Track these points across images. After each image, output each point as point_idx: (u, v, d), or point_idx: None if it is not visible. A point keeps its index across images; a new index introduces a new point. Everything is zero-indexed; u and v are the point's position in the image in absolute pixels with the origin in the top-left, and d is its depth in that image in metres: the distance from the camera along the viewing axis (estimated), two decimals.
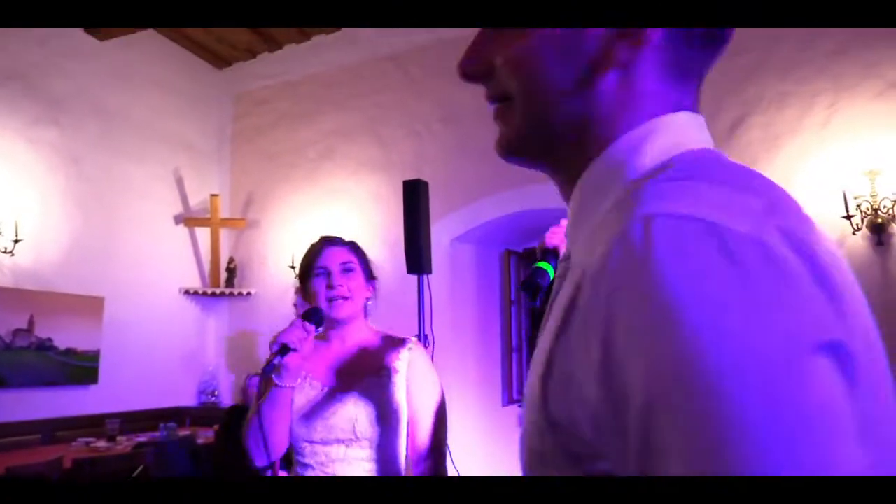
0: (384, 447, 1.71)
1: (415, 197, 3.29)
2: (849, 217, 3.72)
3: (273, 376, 1.67)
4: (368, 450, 1.69)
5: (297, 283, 1.92)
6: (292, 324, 1.69)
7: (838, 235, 3.81)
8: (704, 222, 0.43)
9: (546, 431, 0.51)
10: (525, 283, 1.24)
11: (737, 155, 4.14)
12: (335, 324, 1.83)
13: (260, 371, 1.70)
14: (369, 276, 1.90)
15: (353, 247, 1.91)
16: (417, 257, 3.23)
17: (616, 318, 0.43)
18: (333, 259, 1.83)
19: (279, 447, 1.70)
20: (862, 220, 3.77)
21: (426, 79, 5.43)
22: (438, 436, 1.78)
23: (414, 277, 3.27)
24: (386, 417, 1.72)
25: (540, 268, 1.23)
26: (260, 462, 1.69)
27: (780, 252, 0.43)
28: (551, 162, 0.64)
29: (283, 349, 1.63)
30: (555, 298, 0.58)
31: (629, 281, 0.43)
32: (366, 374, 1.76)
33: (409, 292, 3.72)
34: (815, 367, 0.39)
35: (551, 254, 1.27)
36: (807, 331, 0.40)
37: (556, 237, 1.31)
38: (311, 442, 1.70)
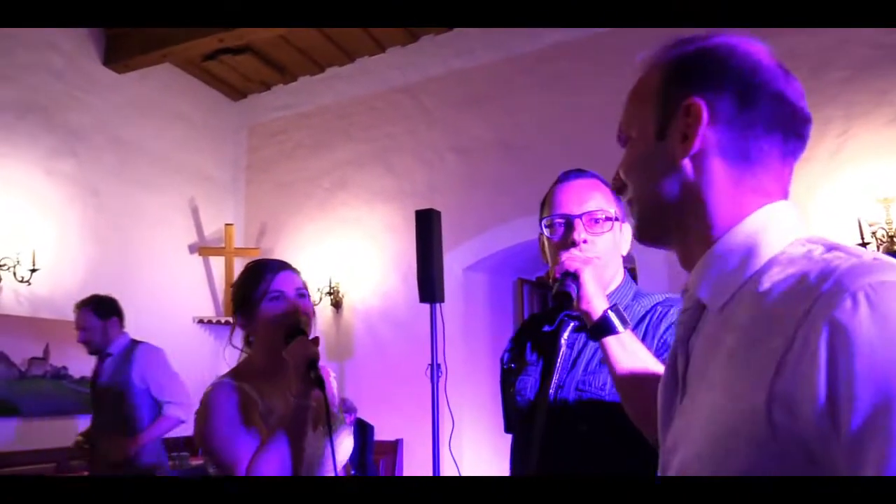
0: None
1: (427, 226, 3.31)
2: (864, 245, 3.69)
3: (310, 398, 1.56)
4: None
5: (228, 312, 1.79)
6: (304, 341, 1.60)
7: None
8: None
9: (761, 441, 0.61)
10: (557, 296, 1.28)
11: None
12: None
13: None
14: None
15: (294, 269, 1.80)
16: (430, 286, 3.24)
17: (874, 363, 0.54)
18: (290, 283, 1.72)
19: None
20: (878, 248, 3.74)
21: (438, 109, 5.48)
22: None
23: (426, 306, 3.28)
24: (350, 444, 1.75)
25: (564, 292, 1.28)
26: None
27: None
28: (671, 242, 0.81)
29: (297, 330, 1.60)
30: (689, 337, 0.77)
31: (882, 334, 0.54)
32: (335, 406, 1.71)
33: (422, 321, 3.72)
34: None
35: (570, 278, 1.30)
36: None
37: (574, 261, 1.34)
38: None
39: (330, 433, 1.54)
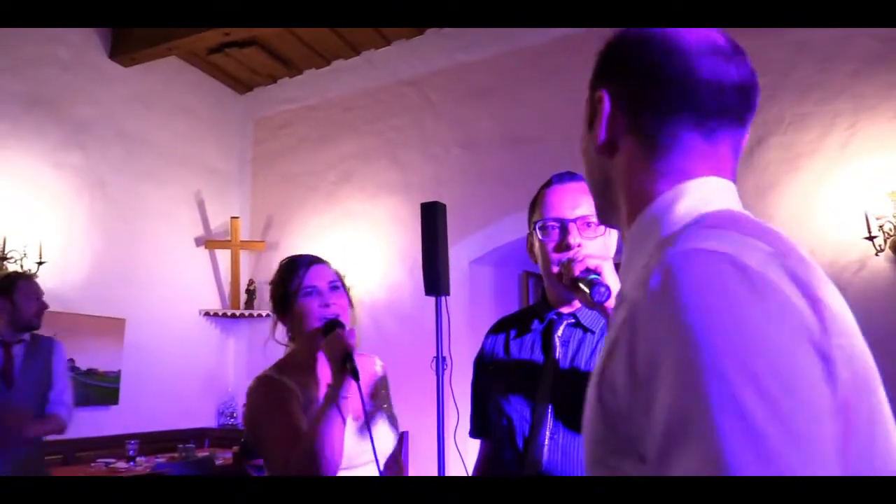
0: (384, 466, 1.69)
1: (433, 219, 3.31)
2: (871, 238, 3.68)
3: (343, 390, 1.57)
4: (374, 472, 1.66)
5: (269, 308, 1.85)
6: (339, 334, 1.63)
7: (860, 256, 3.77)
8: (726, 255, 0.56)
9: (596, 420, 0.63)
10: (593, 293, 1.28)
11: (756, 177, 4.12)
12: (318, 346, 1.74)
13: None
14: (348, 293, 1.83)
15: (332, 268, 1.84)
16: (435, 279, 3.24)
17: (654, 328, 0.54)
18: (322, 277, 1.76)
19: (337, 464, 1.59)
20: (885, 241, 3.73)
21: (444, 102, 5.47)
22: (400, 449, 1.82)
23: (432, 299, 3.28)
24: (391, 438, 1.73)
25: (595, 280, 1.29)
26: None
27: (783, 284, 0.55)
28: (615, 224, 0.84)
29: (335, 323, 1.63)
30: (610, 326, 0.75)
31: (668, 300, 0.54)
32: (367, 400, 1.69)
33: (428, 314, 3.72)
34: (811, 365, 0.51)
35: (592, 274, 1.31)
36: (801, 335, 0.52)
37: (594, 259, 1.35)
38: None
39: (368, 426, 1.58)
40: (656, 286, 0.56)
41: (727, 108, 0.74)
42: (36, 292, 3.52)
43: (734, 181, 0.75)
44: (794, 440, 0.46)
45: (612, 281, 1.30)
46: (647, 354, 0.54)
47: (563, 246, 1.45)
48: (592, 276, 1.30)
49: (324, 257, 1.87)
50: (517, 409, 1.46)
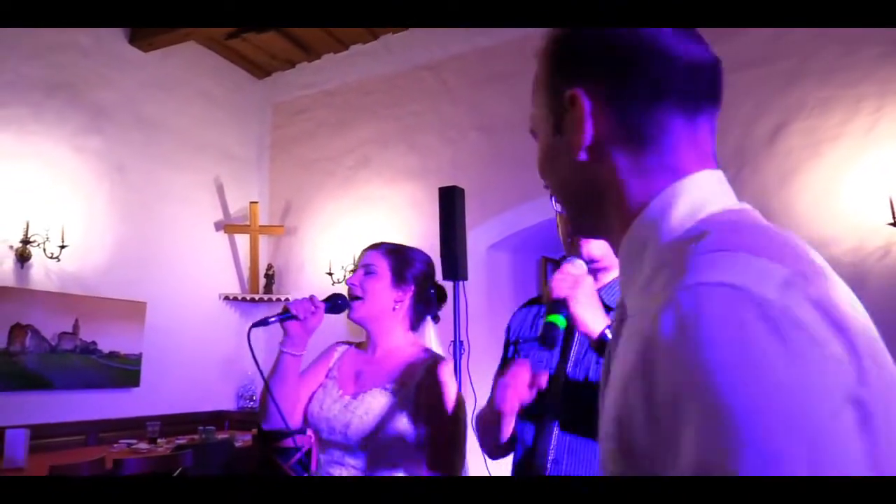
0: (377, 460, 1.68)
1: (451, 204, 3.30)
2: None
3: (281, 345, 1.77)
4: (361, 459, 1.68)
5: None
6: (306, 298, 1.78)
7: (884, 243, 3.71)
8: (743, 290, 0.51)
9: (616, 459, 0.59)
10: (542, 339, 1.25)
11: (778, 163, 4.07)
12: (362, 328, 1.88)
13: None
14: (400, 278, 1.86)
15: (390, 251, 1.90)
16: (453, 264, 3.24)
17: (674, 378, 0.51)
18: (363, 260, 1.89)
19: (285, 416, 1.75)
20: None
21: (462, 87, 5.45)
22: (449, 458, 1.74)
23: (450, 284, 3.28)
24: (382, 430, 1.69)
25: (552, 322, 1.26)
26: (267, 425, 1.78)
27: (808, 318, 0.50)
28: (602, 233, 0.77)
29: (284, 311, 1.74)
30: (616, 343, 0.71)
31: (681, 344, 0.50)
32: (376, 385, 1.75)
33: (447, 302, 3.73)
34: (845, 416, 0.47)
35: (560, 304, 1.28)
36: (831, 379, 0.48)
37: (562, 287, 1.30)
38: (320, 439, 1.77)
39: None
40: (671, 328, 0.52)
41: (703, 89, 0.71)
42: None
43: (717, 165, 0.71)
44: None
45: (583, 310, 1.28)
46: (668, 403, 0.51)
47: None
48: (549, 320, 1.27)
49: (342, 242, 1.94)
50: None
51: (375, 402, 1.72)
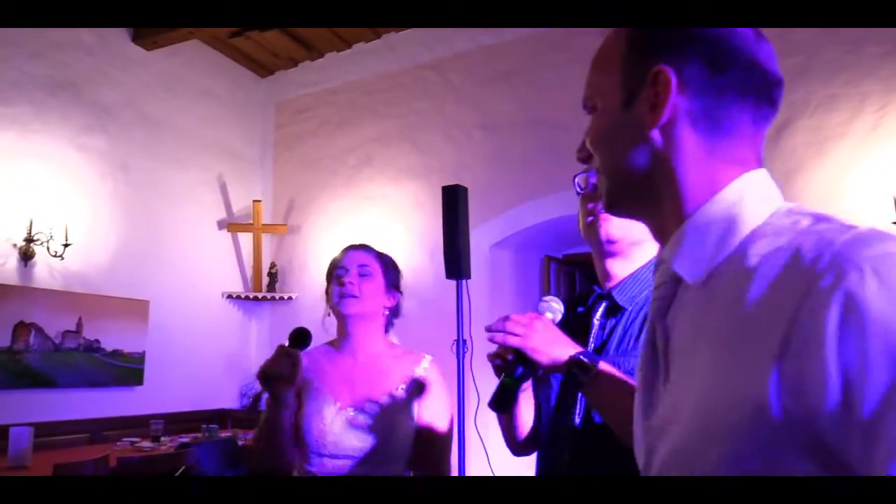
0: (388, 467, 1.71)
1: (454, 202, 3.30)
2: None
3: (265, 407, 1.72)
4: (374, 468, 1.69)
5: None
6: (275, 352, 1.71)
7: None
8: None
9: (768, 442, 0.57)
10: (498, 404, 1.25)
11: (783, 160, 4.06)
12: (345, 329, 1.83)
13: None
14: (391, 285, 1.88)
15: (379, 255, 1.91)
16: (456, 262, 3.24)
17: (882, 341, 0.51)
18: (353, 261, 1.86)
19: (281, 466, 1.73)
20: None
21: (465, 85, 5.44)
22: (445, 457, 1.80)
23: (453, 283, 3.27)
24: (393, 440, 1.71)
25: (507, 388, 1.25)
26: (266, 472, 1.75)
27: None
28: (643, 214, 0.78)
29: (267, 380, 1.69)
30: (664, 314, 0.74)
31: (885, 301, 0.51)
32: (378, 395, 1.75)
33: (448, 297, 3.72)
34: None
35: (512, 368, 1.25)
36: None
37: (512, 339, 1.25)
38: (320, 455, 1.71)
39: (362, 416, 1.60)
40: (880, 298, 0.52)
41: (773, 98, 0.73)
42: None
43: None
44: None
45: (543, 353, 1.23)
46: (882, 372, 0.50)
47: (597, 196, 1.38)
48: (504, 384, 1.25)
49: (345, 240, 1.91)
50: (555, 390, 1.45)
51: (385, 412, 1.73)
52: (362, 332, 1.83)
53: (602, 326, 1.42)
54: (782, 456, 0.55)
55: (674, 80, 0.69)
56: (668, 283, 0.74)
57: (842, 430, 0.52)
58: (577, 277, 5.77)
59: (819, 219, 0.62)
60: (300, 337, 1.73)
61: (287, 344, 1.72)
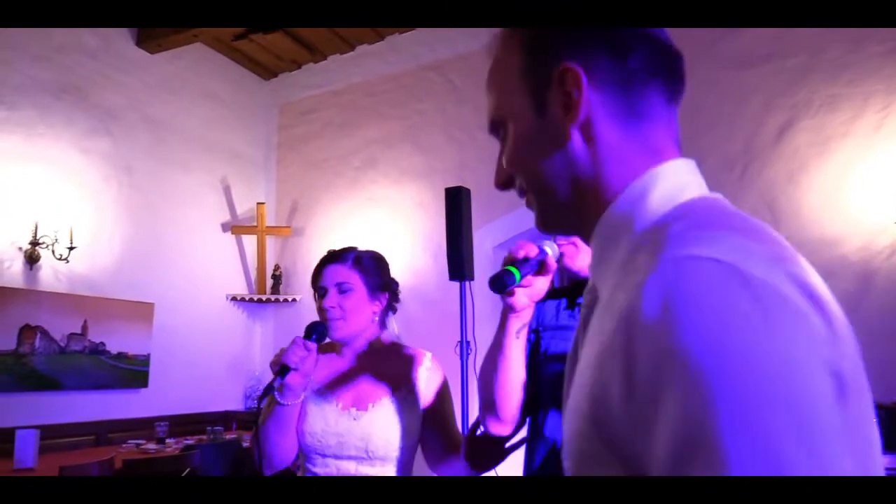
0: (392, 467, 1.72)
1: (457, 204, 3.31)
2: None
3: (276, 395, 1.68)
4: (379, 467, 1.70)
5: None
6: (293, 342, 1.68)
7: (892, 241, 3.70)
8: (728, 264, 0.51)
9: (590, 436, 0.57)
10: (494, 282, 1.28)
11: (785, 161, 4.06)
12: (339, 343, 1.84)
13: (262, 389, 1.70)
14: (375, 290, 1.85)
15: (357, 262, 1.85)
16: (460, 264, 3.24)
17: (655, 349, 0.50)
18: (331, 278, 1.81)
19: (282, 461, 1.73)
20: None
21: (467, 86, 5.45)
22: (455, 428, 1.84)
23: (456, 284, 3.28)
24: (399, 437, 1.72)
25: (509, 270, 1.29)
26: (266, 473, 1.74)
27: (791, 294, 0.50)
28: (577, 225, 0.73)
29: (283, 369, 1.64)
30: (586, 325, 0.70)
31: (669, 319, 0.49)
32: (382, 394, 1.76)
33: (452, 299, 3.73)
34: (825, 387, 0.48)
35: (521, 262, 1.32)
36: (813, 354, 0.49)
37: (525, 249, 1.35)
38: (324, 455, 1.72)
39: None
40: (654, 301, 0.51)
41: (680, 76, 0.71)
42: None
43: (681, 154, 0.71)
44: (811, 464, 0.45)
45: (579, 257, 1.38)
46: (648, 375, 0.50)
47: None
48: (507, 268, 1.30)
49: (348, 242, 1.90)
50: (557, 374, 1.46)
51: (388, 411, 1.73)
52: (357, 341, 1.83)
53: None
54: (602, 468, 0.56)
55: (582, 75, 0.67)
56: (589, 293, 0.73)
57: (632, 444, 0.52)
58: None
59: (689, 219, 0.60)
60: (315, 329, 1.72)
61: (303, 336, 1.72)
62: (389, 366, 1.82)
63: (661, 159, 0.68)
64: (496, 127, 0.79)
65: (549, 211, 0.75)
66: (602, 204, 0.68)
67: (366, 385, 1.78)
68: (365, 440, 1.69)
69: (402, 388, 1.78)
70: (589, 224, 0.70)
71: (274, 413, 1.70)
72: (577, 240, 1.44)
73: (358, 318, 1.79)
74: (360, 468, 1.70)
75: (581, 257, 1.46)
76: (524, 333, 1.47)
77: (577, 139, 0.68)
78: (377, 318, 1.86)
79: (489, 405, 1.49)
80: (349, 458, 1.70)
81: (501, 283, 1.26)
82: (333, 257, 1.85)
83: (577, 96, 0.67)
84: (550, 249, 1.38)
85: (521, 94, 0.72)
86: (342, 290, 1.79)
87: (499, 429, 1.50)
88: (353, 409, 1.73)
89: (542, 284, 1.39)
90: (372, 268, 1.87)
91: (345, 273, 1.81)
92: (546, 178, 0.72)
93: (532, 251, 1.34)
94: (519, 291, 1.39)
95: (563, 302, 1.60)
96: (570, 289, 1.63)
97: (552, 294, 1.67)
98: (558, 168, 0.70)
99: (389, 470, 1.70)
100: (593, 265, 0.70)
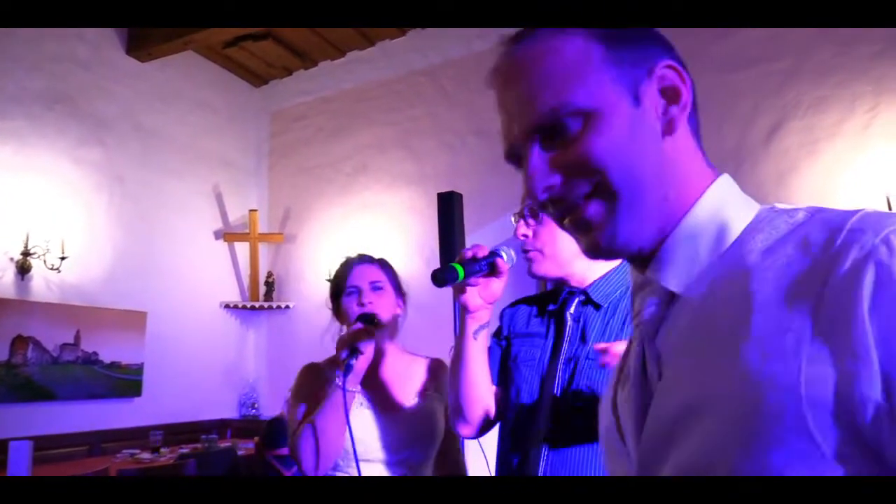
0: (417, 469, 1.73)
1: (449, 209, 3.31)
2: None
3: (340, 378, 1.62)
4: (405, 470, 1.71)
5: (328, 302, 1.92)
6: (356, 329, 1.68)
7: None
8: None
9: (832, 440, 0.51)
10: (435, 275, 1.28)
11: (775, 161, 4.08)
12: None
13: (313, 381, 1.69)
14: (398, 292, 1.88)
15: (383, 264, 1.90)
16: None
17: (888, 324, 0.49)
18: (363, 277, 1.82)
19: (334, 454, 1.65)
20: None
21: (459, 92, 5.46)
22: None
23: (449, 290, 3.29)
24: (422, 440, 1.74)
25: (452, 267, 1.30)
26: (309, 468, 1.64)
27: None
28: (647, 239, 0.67)
29: (354, 351, 1.62)
30: (669, 323, 0.66)
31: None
32: (402, 399, 1.77)
33: (445, 304, 3.73)
34: None
35: (468, 261, 1.33)
36: None
37: (474, 250, 1.37)
38: (352, 458, 1.69)
39: (347, 419, 1.59)
40: (892, 259, 0.50)
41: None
42: None
43: None
44: None
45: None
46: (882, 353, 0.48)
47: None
48: (453, 265, 1.31)
49: (341, 248, 1.91)
50: (526, 380, 1.47)
51: (413, 416, 1.75)
52: (380, 342, 1.83)
53: (576, 319, 1.47)
54: (804, 445, 0.51)
55: (685, 74, 0.66)
56: (656, 305, 0.68)
57: (878, 413, 0.48)
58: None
59: (814, 209, 0.62)
60: (369, 319, 1.71)
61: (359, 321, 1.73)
62: (408, 372, 1.84)
63: (715, 171, 0.69)
64: (561, 116, 0.66)
65: (628, 230, 0.66)
66: (668, 214, 0.66)
67: (388, 391, 1.79)
68: (391, 444, 1.70)
69: (427, 389, 1.81)
70: (654, 234, 0.66)
71: (333, 400, 1.63)
72: (545, 247, 1.46)
73: (387, 316, 1.80)
74: (385, 471, 1.70)
75: (546, 264, 1.47)
76: (483, 336, 1.47)
77: (667, 143, 0.66)
78: (399, 321, 1.89)
79: (455, 407, 1.50)
80: (375, 460, 1.70)
81: (441, 278, 1.27)
82: (360, 259, 1.89)
83: (686, 92, 0.66)
84: (506, 255, 1.39)
85: (606, 87, 0.65)
86: (376, 287, 1.81)
87: (466, 430, 1.52)
88: (380, 413, 1.74)
89: (495, 287, 1.41)
90: (394, 271, 1.92)
91: (376, 272, 1.84)
92: (639, 185, 0.64)
93: (481, 252, 1.35)
94: (471, 291, 1.40)
95: (535, 309, 1.61)
96: (541, 296, 1.65)
97: (525, 301, 1.69)
98: (648, 165, 0.65)
99: (409, 473, 1.71)
100: (668, 274, 0.66)
